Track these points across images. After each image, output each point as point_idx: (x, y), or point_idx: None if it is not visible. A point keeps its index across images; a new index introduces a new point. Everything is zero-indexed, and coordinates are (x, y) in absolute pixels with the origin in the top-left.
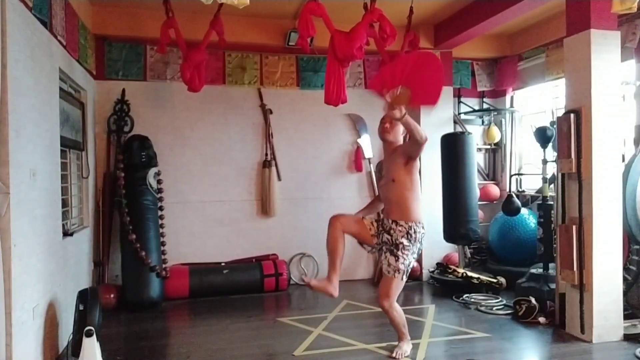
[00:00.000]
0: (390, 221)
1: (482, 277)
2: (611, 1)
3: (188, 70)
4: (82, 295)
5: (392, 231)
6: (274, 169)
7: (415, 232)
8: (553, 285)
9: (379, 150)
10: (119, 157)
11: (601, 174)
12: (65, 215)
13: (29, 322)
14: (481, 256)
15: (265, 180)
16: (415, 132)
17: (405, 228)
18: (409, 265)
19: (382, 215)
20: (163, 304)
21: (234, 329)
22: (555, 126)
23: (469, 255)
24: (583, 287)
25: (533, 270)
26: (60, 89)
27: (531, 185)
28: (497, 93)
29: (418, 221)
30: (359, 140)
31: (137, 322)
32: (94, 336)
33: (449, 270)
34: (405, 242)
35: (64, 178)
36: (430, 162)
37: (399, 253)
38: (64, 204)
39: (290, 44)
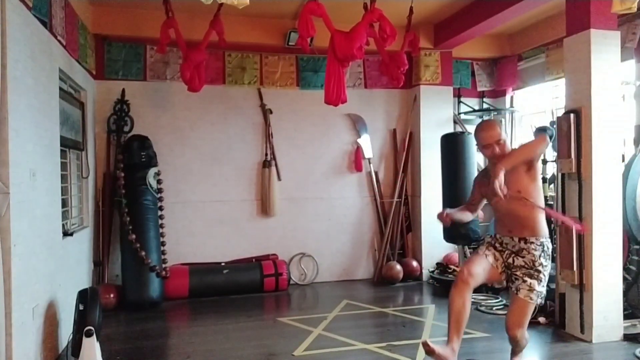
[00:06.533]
0: (517, 240)
1: None
2: (611, 1)
3: (188, 70)
4: (82, 295)
5: (524, 252)
6: (274, 169)
7: (548, 248)
8: (553, 285)
9: (380, 150)
10: (119, 157)
11: (601, 174)
12: (65, 215)
13: (29, 322)
14: None
15: (265, 180)
16: (529, 152)
17: (540, 245)
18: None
19: (498, 235)
20: (163, 304)
21: (234, 329)
22: (555, 126)
23: (468, 255)
24: (583, 287)
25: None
26: (60, 89)
27: None
28: (497, 93)
29: (547, 235)
30: (359, 140)
31: (137, 322)
32: (94, 336)
33: (449, 270)
34: (544, 261)
35: (64, 178)
36: (430, 162)
37: (542, 275)
38: (64, 204)
39: (290, 44)
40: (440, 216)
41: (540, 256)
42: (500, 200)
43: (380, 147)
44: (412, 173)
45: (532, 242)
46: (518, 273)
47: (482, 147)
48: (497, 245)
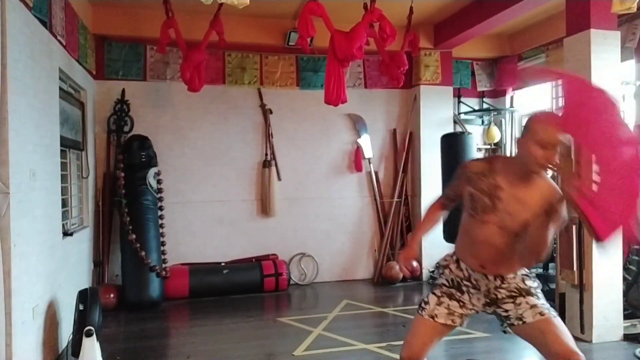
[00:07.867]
0: (492, 278)
1: None
2: (611, 1)
3: (188, 70)
4: (82, 295)
5: (503, 296)
6: (274, 169)
7: (528, 271)
8: (553, 285)
9: (380, 150)
10: (119, 157)
11: None
12: (65, 215)
13: (29, 322)
14: None
15: (265, 180)
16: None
17: (521, 277)
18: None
19: (464, 266)
20: (163, 304)
21: (234, 329)
22: None
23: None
24: (583, 287)
25: (533, 270)
26: (60, 89)
27: None
28: (497, 93)
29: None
30: (359, 140)
31: (137, 322)
32: (94, 336)
33: None
34: (532, 283)
35: (64, 178)
36: (430, 162)
37: (535, 292)
38: (64, 204)
39: (290, 44)
40: (406, 265)
41: (524, 281)
42: (492, 219)
43: (380, 147)
44: (412, 173)
45: (514, 277)
46: (507, 305)
47: (541, 145)
48: (462, 286)
